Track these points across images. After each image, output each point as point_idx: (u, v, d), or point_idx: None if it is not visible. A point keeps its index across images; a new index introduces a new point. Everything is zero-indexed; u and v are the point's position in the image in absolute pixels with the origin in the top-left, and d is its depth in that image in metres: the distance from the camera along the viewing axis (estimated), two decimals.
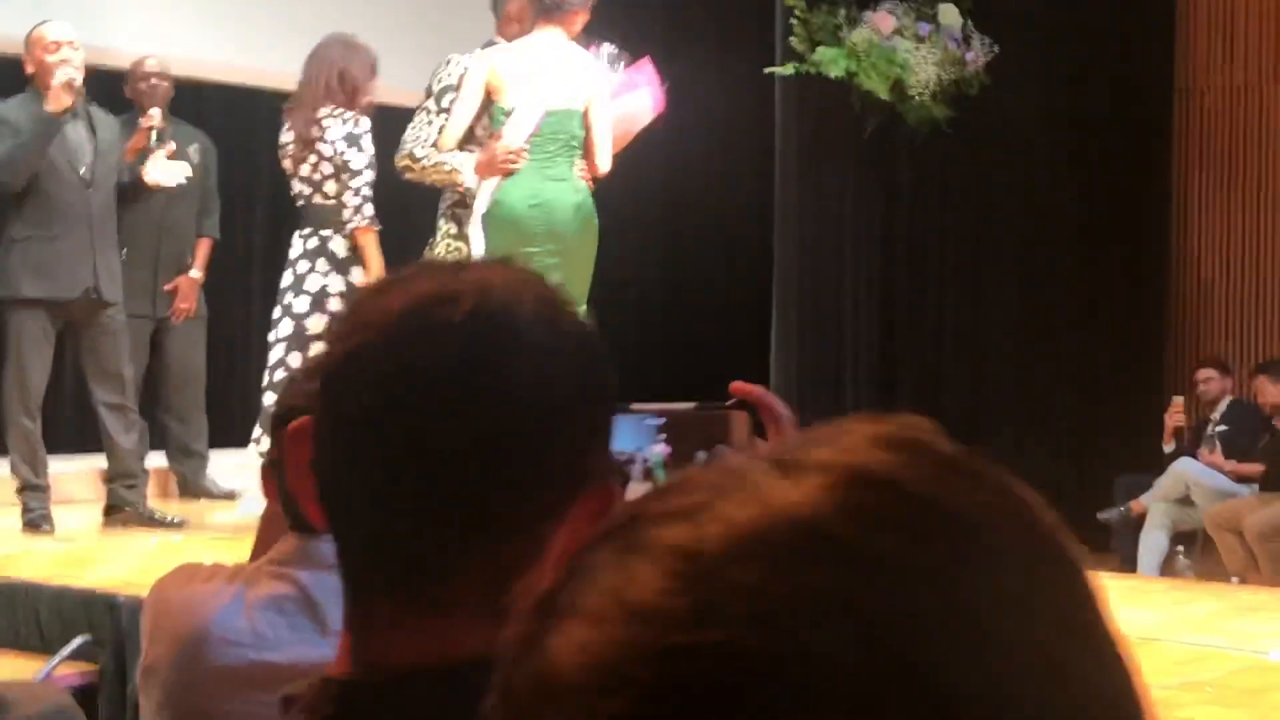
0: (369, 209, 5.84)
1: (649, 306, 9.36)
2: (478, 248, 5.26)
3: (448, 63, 5.73)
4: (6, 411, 6.07)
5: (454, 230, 5.50)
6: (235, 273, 8.28)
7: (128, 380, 6.33)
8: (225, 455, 7.20)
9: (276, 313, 6.01)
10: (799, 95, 8.76)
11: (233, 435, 7.06)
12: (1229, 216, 9.76)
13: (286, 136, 6.05)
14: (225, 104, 8.23)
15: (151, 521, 6.34)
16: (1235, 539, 7.72)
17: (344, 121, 5.82)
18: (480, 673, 1.06)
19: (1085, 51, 9.36)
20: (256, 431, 5.99)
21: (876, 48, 8.71)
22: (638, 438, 1.40)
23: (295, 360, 5.73)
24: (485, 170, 5.22)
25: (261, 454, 5.67)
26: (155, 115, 6.70)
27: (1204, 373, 8.74)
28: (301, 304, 5.89)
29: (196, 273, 7.09)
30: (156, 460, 7.16)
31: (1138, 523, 8.33)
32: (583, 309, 5.23)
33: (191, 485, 7.22)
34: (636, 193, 9.24)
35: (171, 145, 6.51)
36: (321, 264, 5.89)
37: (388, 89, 6.22)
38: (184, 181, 6.48)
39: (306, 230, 6.01)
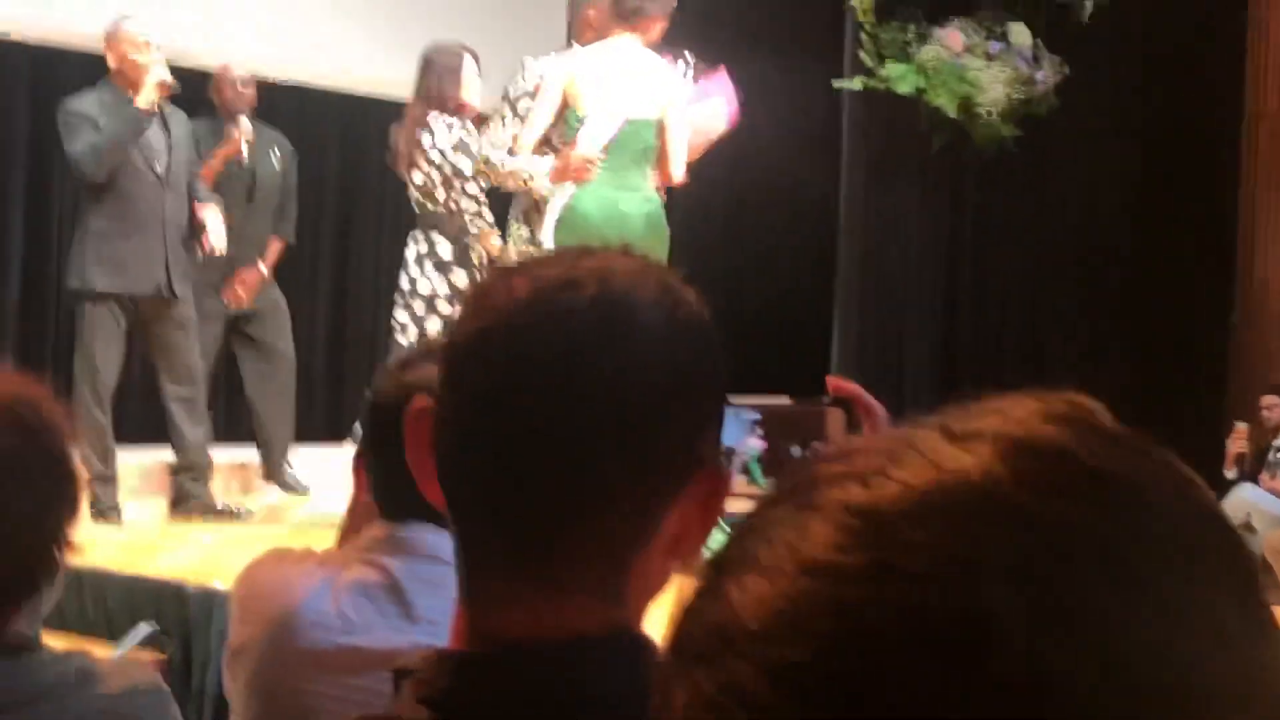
0: (487, 214, 5.96)
1: (714, 313, 9.37)
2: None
3: (524, 68, 5.78)
4: (78, 403, 6.15)
5: (526, 234, 5.54)
6: (301, 272, 8.37)
7: (197, 374, 6.40)
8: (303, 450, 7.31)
9: (401, 315, 6.10)
10: (867, 109, 8.77)
11: (305, 431, 7.16)
12: None
13: (397, 142, 6.16)
14: (296, 105, 8.32)
15: (217, 513, 6.41)
16: None
17: (449, 128, 5.92)
18: (594, 649, 1.09)
19: (1154, 72, 9.32)
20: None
21: (946, 65, 8.71)
22: (735, 431, 1.42)
23: None
24: (560, 177, 5.25)
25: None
26: (246, 126, 6.84)
27: (1269, 399, 8.68)
28: (419, 307, 6.01)
29: (263, 267, 7.16)
30: (240, 453, 7.26)
31: None
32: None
33: (276, 477, 7.27)
34: (703, 201, 9.26)
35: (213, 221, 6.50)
36: (429, 268, 6.00)
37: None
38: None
39: (418, 234, 6.12)
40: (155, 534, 6.19)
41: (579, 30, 5.61)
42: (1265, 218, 9.81)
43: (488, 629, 1.09)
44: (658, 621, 0.73)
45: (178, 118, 6.28)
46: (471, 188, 5.85)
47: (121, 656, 3.86)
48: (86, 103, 6.03)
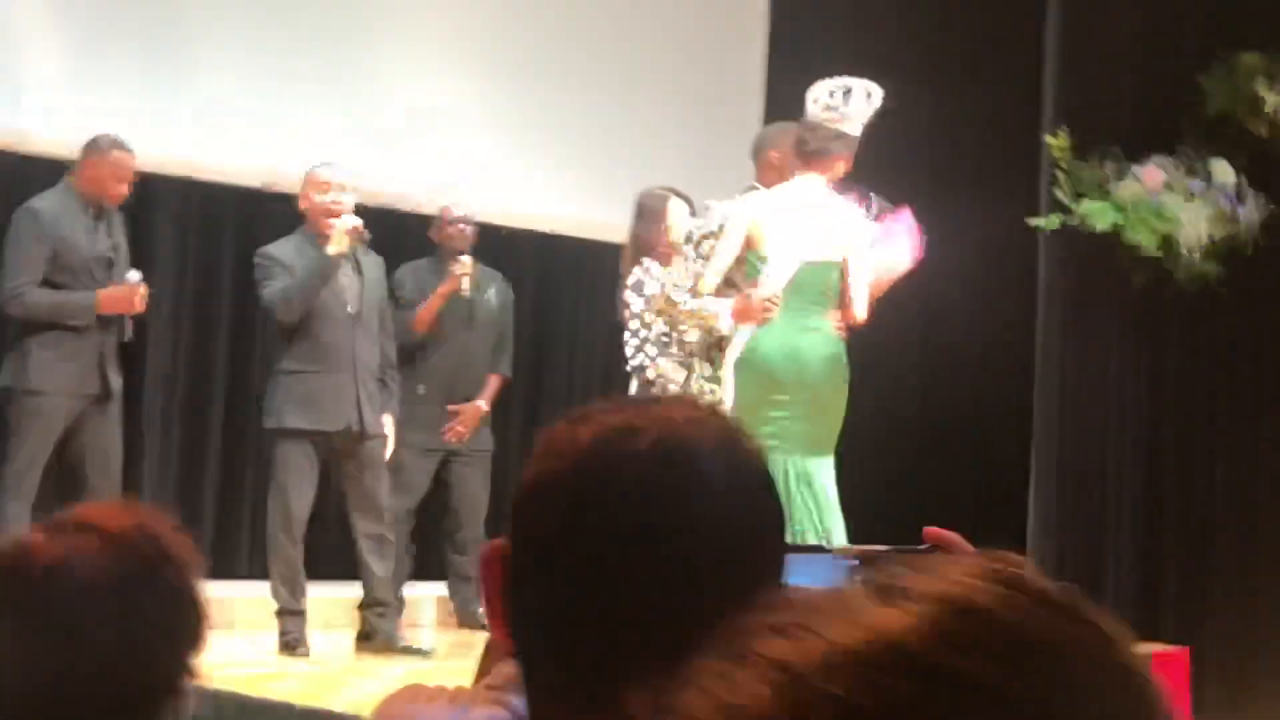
0: (639, 357, 6.03)
1: (906, 453, 9.27)
2: (729, 392, 5.30)
3: (707, 209, 5.84)
4: (270, 536, 6.28)
5: (709, 372, 5.56)
6: (514, 409, 8.49)
7: (386, 510, 6.51)
8: None
9: None
10: (1063, 247, 8.65)
11: None
12: None
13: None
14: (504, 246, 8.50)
15: (402, 649, 6.47)
16: None
17: (641, 268, 6.06)
18: None
19: None
20: None
21: (1144, 202, 8.56)
22: (834, 578, 1.40)
23: None
24: (741, 317, 5.28)
25: None
26: (467, 262, 7.05)
27: None
28: None
29: (483, 403, 7.29)
30: (436, 589, 7.37)
31: None
32: (832, 457, 5.23)
33: (464, 614, 7.34)
34: (898, 340, 9.21)
35: None
36: None
37: (621, 229, 6.42)
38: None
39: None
40: (341, 668, 6.26)
41: (762, 172, 5.66)
42: None
43: None
44: None
45: (371, 259, 6.45)
46: (633, 324, 5.91)
47: None
48: (281, 248, 6.24)
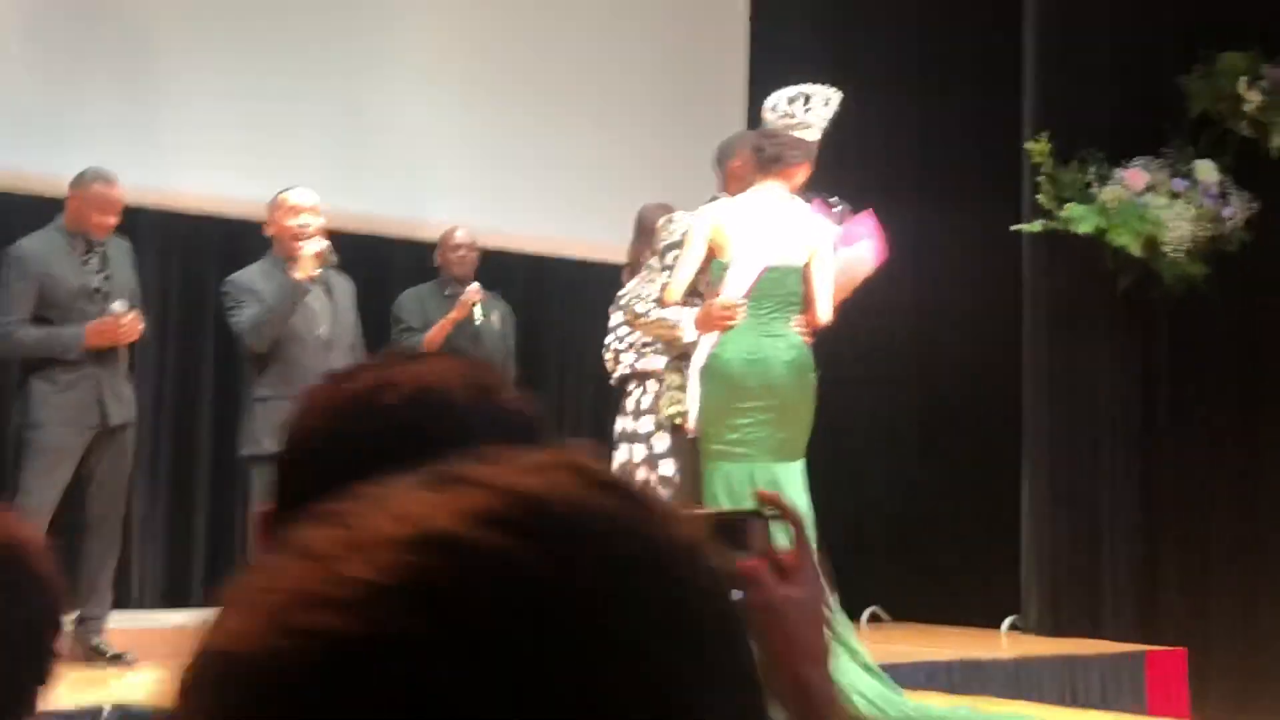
0: (618, 369, 6.09)
1: (898, 459, 9.27)
2: (693, 400, 5.31)
3: (671, 220, 5.86)
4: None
5: (678, 381, 5.57)
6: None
7: None
8: None
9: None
10: (1048, 252, 8.66)
11: None
12: None
13: None
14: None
15: None
16: None
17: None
18: None
19: None
20: None
21: (1128, 204, 8.57)
22: None
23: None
24: (704, 326, 5.29)
25: None
26: (477, 289, 7.07)
27: None
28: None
29: None
30: None
31: None
32: (801, 462, 5.22)
33: None
34: (886, 348, 9.21)
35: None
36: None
37: (612, 247, 6.45)
38: None
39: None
40: None
41: (725, 181, 5.67)
42: None
43: None
44: None
45: (341, 282, 6.45)
46: (608, 338, 5.98)
47: None
48: (249, 275, 6.24)
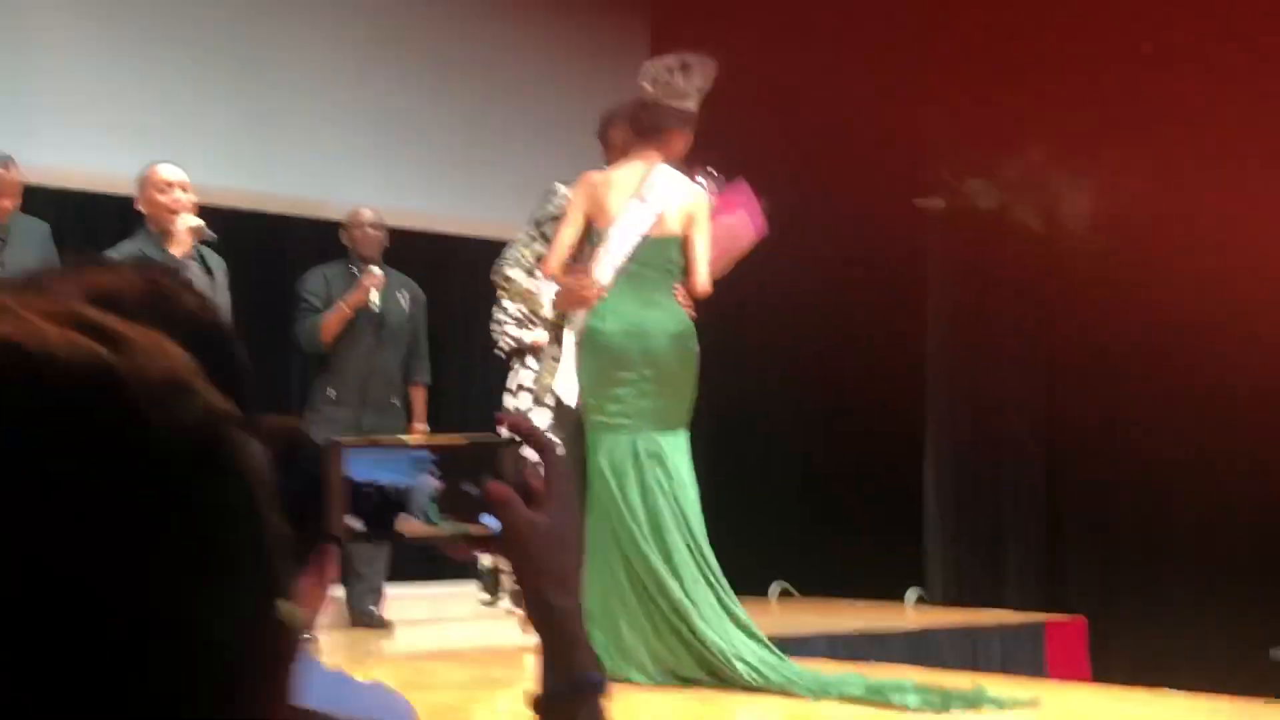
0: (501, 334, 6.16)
1: (802, 435, 9.31)
2: (563, 373, 5.30)
3: (554, 193, 5.87)
4: None
5: (557, 353, 5.57)
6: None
7: None
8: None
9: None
10: (950, 227, 8.72)
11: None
12: None
13: None
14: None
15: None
16: None
17: None
18: None
19: None
20: None
21: (1031, 180, 8.64)
22: (408, 472, 1.41)
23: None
24: (564, 302, 5.32)
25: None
26: (377, 274, 7.04)
27: None
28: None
29: (422, 425, 7.26)
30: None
31: None
32: (685, 433, 5.23)
33: (357, 613, 7.29)
34: (791, 321, 9.24)
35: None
36: None
37: (518, 226, 6.48)
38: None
39: None
40: None
41: (607, 152, 5.67)
42: None
43: None
44: None
45: (217, 260, 6.37)
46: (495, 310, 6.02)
47: None
48: (122, 250, 6.08)
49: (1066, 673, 7.44)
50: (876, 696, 4.80)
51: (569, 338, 5.29)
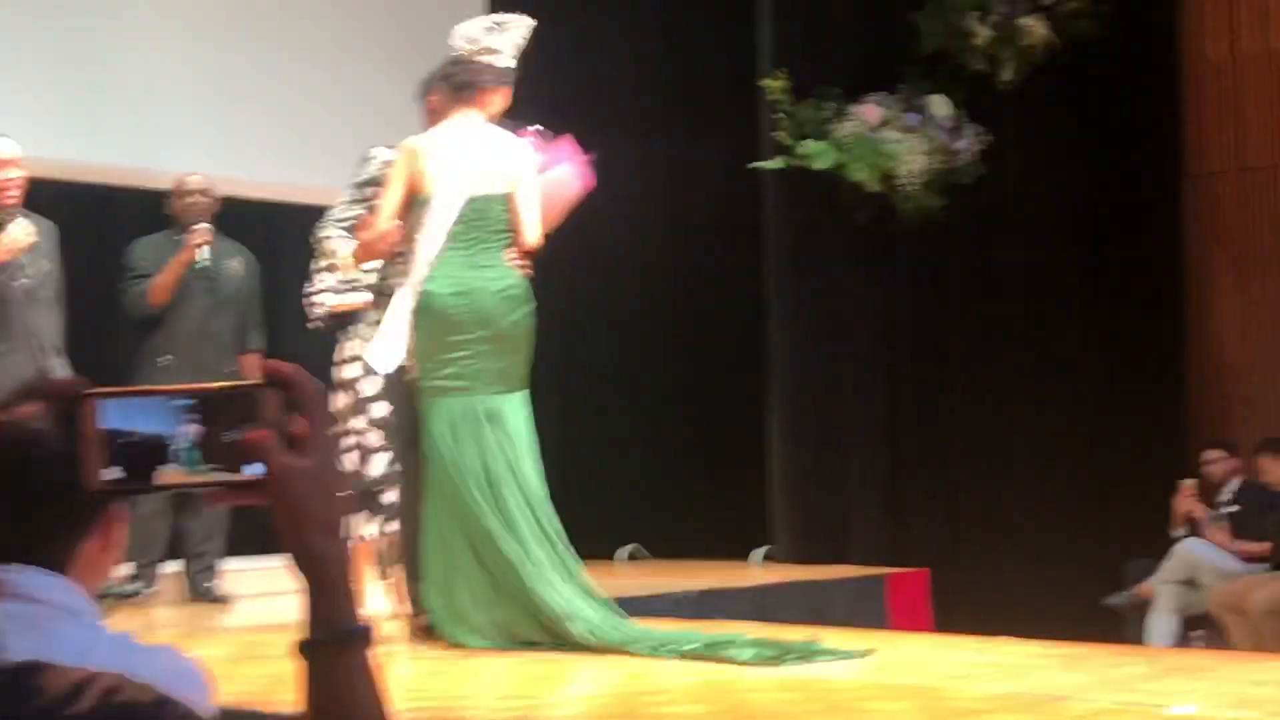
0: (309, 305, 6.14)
1: (642, 400, 9.33)
2: (396, 337, 5.24)
3: (371, 157, 5.83)
4: None
5: (376, 318, 5.51)
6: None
7: None
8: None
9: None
10: (788, 188, 8.76)
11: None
12: (1245, 297, 9.62)
13: None
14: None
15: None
16: (1241, 619, 7.51)
17: None
18: None
19: (1088, 135, 9.31)
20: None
21: (863, 140, 8.71)
22: (166, 420, 1.38)
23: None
24: (366, 254, 5.31)
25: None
26: (204, 229, 6.92)
27: (1210, 454, 8.58)
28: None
29: None
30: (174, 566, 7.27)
31: (1145, 607, 8.14)
32: (524, 393, 5.21)
33: (195, 589, 7.19)
34: (630, 282, 9.26)
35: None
36: None
37: (315, 190, 6.38)
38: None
39: None
40: None
41: (426, 117, 5.60)
42: (1209, 274, 9.75)
43: None
44: None
45: (46, 228, 6.23)
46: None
47: None
48: None
49: (909, 625, 7.55)
50: (712, 651, 4.82)
51: (395, 302, 5.24)
